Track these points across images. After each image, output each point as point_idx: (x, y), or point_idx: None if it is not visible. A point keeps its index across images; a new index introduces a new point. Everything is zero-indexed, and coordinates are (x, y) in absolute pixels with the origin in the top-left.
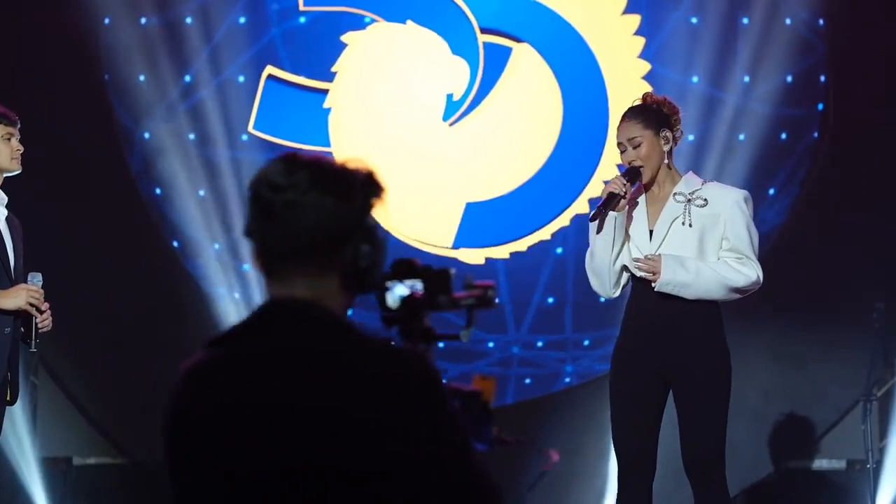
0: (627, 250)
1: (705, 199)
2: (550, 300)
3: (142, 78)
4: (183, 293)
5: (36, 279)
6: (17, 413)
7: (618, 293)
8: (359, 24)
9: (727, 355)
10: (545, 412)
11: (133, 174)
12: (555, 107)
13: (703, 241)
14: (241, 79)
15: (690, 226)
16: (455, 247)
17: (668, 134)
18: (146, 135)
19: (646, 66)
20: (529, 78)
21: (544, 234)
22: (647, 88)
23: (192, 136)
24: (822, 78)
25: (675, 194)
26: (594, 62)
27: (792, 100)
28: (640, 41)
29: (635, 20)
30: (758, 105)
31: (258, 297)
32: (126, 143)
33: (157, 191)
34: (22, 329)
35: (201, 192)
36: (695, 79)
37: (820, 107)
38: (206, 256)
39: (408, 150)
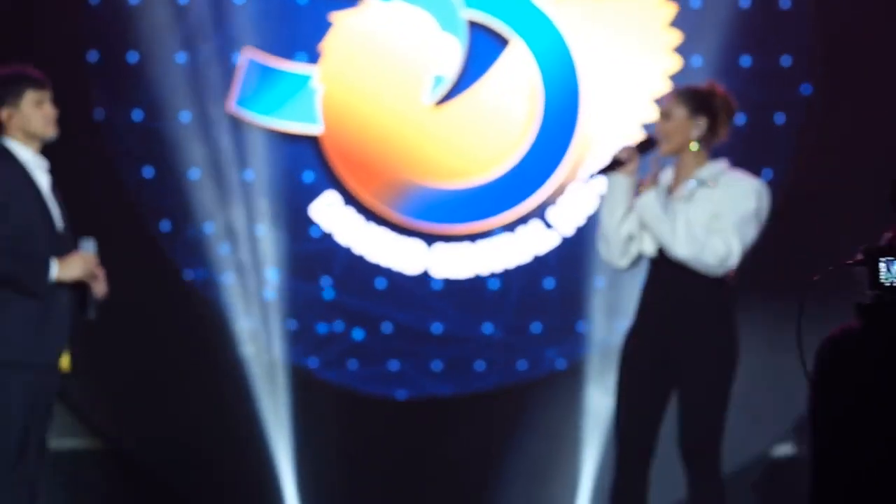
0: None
1: (717, 183)
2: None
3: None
4: (167, 277)
5: (89, 245)
6: None
7: (625, 264)
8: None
9: (734, 345)
10: (529, 397)
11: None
12: (535, 108)
13: (696, 213)
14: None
15: (689, 201)
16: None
17: (703, 122)
18: (134, 116)
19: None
20: (518, 77)
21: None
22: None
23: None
24: (811, 59)
25: (692, 178)
26: (577, 73)
27: (782, 82)
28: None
29: None
30: (748, 87)
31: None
32: (109, 125)
33: (144, 173)
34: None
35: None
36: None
37: (809, 89)
38: (190, 239)
39: (394, 128)
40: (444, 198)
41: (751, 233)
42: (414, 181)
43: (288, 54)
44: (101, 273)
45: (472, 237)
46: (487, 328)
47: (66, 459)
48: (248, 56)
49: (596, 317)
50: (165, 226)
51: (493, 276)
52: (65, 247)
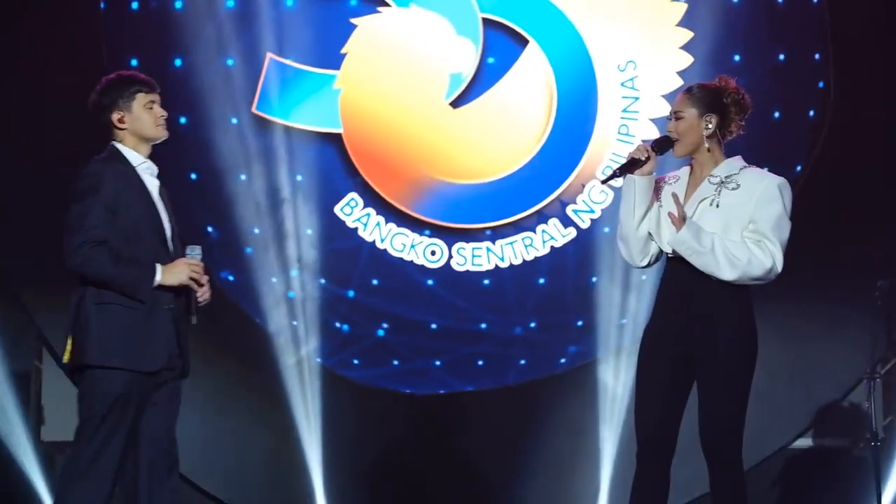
0: (657, 223)
1: (738, 184)
2: (552, 282)
3: (134, 62)
4: None
5: (195, 252)
6: (9, 398)
7: (645, 263)
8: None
9: (753, 338)
10: (547, 392)
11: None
12: (549, 108)
13: (728, 222)
14: (231, 62)
15: (717, 206)
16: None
17: (713, 119)
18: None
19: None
20: (533, 77)
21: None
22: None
23: (183, 120)
24: (817, 56)
25: (710, 177)
26: (592, 72)
27: (792, 77)
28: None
29: None
30: (758, 83)
31: (258, 280)
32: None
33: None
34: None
35: (193, 176)
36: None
37: (821, 84)
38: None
39: (414, 128)
40: (463, 196)
41: (786, 232)
42: (434, 180)
43: (310, 59)
44: (205, 279)
45: (492, 235)
46: (504, 324)
47: None
48: (271, 60)
49: (613, 312)
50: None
51: (511, 273)
52: (172, 252)
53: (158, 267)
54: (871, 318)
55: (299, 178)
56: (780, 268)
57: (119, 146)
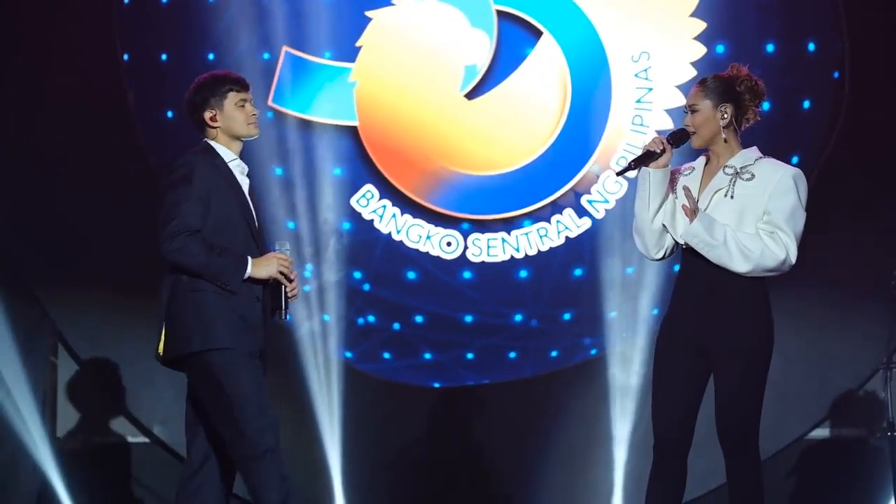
0: (671, 216)
1: (753, 174)
2: (574, 273)
3: (164, 57)
4: None
5: (285, 247)
6: (24, 393)
7: (660, 256)
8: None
9: (769, 329)
10: (563, 384)
11: (152, 155)
12: (563, 99)
13: (742, 213)
14: (266, 55)
15: (732, 197)
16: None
17: (729, 109)
18: (169, 114)
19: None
20: (547, 68)
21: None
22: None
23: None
24: (839, 45)
25: (725, 167)
26: (606, 63)
27: (809, 68)
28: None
29: None
30: (775, 73)
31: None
32: (145, 123)
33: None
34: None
35: None
36: (719, 48)
37: (836, 74)
38: None
39: (429, 120)
40: (479, 187)
41: (800, 223)
42: (449, 172)
43: (325, 52)
44: (294, 275)
45: (507, 226)
46: (520, 316)
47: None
48: (286, 52)
49: (628, 304)
50: None
51: (527, 263)
52: (260, 248)
53: (249, 259)
54: (886, 308)
55: (316, 170)
56: (793, 259)
57: (212, 143)
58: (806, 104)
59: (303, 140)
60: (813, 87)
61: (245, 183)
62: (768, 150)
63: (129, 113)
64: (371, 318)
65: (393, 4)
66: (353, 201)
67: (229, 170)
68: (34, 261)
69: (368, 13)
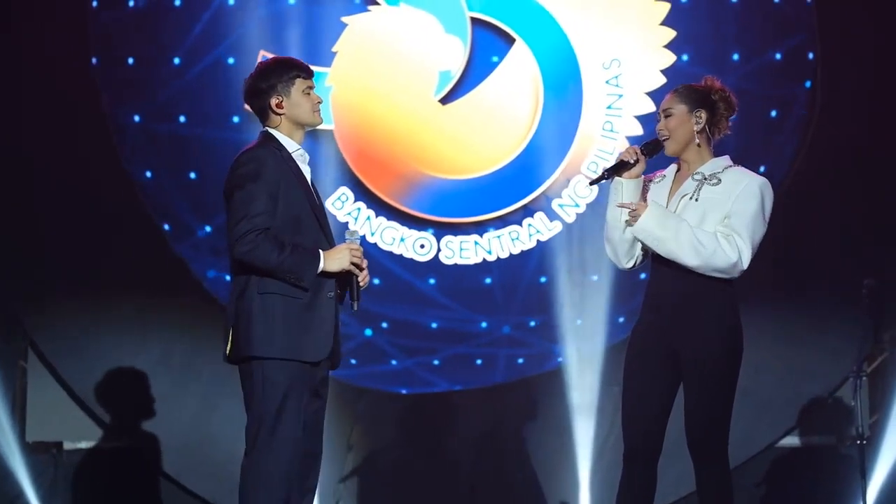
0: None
1: (720, 180)
2: (542, 280)
3: (130, 61)
4: (174, 276)
5: (356, 237)
6: None
7: (630, 265)
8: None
9: (738, 336)
10: (531, 391)
11: (122, 158)
12: (536, 105)
13: (705, 215)
14: (231, 60)
15: (696, 200)
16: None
17: (703, 115)
18: (136, 118)
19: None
20: (520, 75)
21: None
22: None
23: (182, 119)
24: (811, 55)
25: (694, 174)
26: (577, 69)
27: (780, 78)
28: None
29: None
30: (746, 83)
31: None
32: (115, 126)
33: (148, 174)
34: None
35: (192, 175)
36: (684, 57)
37: (808, 84)
38: (196, 239)
39: (403, 125)
40: (452, 191)
41: (759, 231)
42: (423, 175)
43: (301, 56)
44: (364, 263)
45: (479, 229)
46: (489, 323)
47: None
48: (262, 57)
49: (597, 311)
50: (167, 226)
51: (497, 269)
52: (329, 239)
53: (321, 253)
54: (857, 317)
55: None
56: (745, 265)
57: (273, 132)
58: (773, 113)
59: None
60: (783, 97)
61: (308, 172)
62: (737, 161)
63: (101, 115)
64: (343, 324)
65: (368, 11)
66: (328, 203)
67: (294, 161)
68: (3, 264)
69: (344, 19)
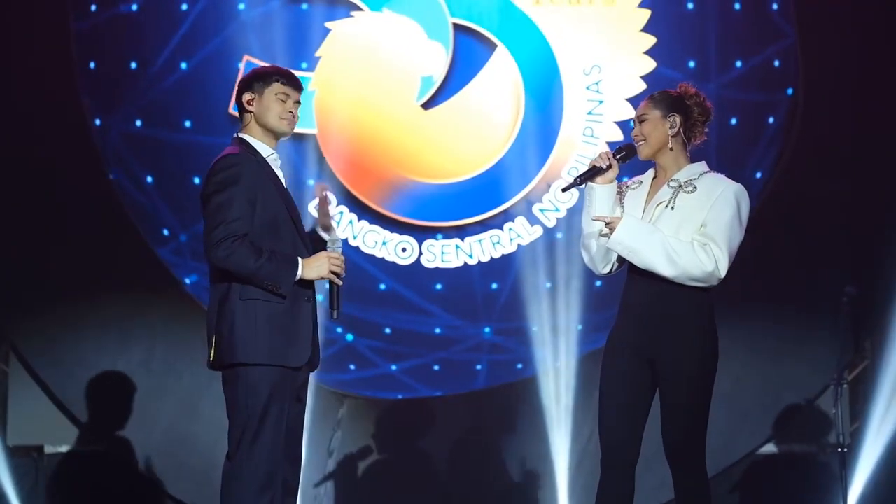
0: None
1: (696, 187)
2: (523, 285)
3: (108, 66)
4: (154, 281)
5: (337, 244)
6: None
7: (607, 271)
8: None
9: (713, 343)
10: (515, 398)
11: (103, 162)
12: (517, 111)
13: (681, 224)
14: (212, 66)
15: (672, 208)
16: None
17: (678, 119)
18: (116, 122)
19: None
20: (501, 80)
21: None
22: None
23: (162, 124)
24: (792, 63)
25: (670, 181)
26: (558, 75)
27: (761, 85)
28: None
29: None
30: (726, 90)
31: None
32: (95, 131)
33: (128, 178)
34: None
35: (173, 180)
36: (664, 63)
37: (789, 91)
38: (177, 243)
39: (386, 129)
40: (433, 195)
41: (736, 238)
42: (405, 179)
43: (285, 61)
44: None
45: (461, 233)
46: (470, 328)
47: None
48: (246, 62)
49: (576, 317)
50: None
51: (478, 272)
52: (307, 245)
53: (300, 260)
54: (838, 325)
55: None
56: (723, 273)
57: (245, 137)
58: (754, 121)
59: None
60: (765, 105)
61: (283, 177)
62: (717, 169)
63: (81, 119)
64: (330, 331)
65: (352, 17)
66: (310, 207)
67: (269, 165)
68: None
69: (328, 24)
